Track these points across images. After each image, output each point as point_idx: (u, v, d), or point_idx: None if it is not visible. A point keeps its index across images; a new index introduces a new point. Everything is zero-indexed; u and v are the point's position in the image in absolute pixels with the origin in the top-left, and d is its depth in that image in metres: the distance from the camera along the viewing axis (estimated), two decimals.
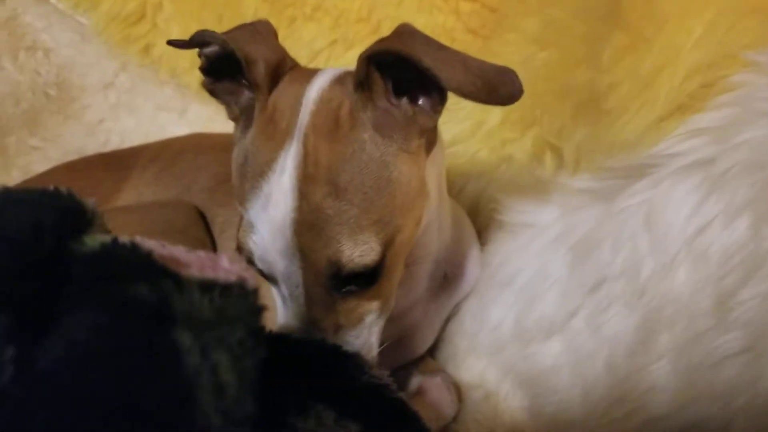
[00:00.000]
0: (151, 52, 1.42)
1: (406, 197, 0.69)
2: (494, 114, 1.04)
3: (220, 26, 1.35)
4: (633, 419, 0.67)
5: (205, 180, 1.12)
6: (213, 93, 0.76)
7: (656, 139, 0.76)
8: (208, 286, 0.38)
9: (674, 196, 0.74)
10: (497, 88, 0.62)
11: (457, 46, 1.15)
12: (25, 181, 1.17)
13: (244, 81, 0.72)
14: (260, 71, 0.69)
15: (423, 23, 1.20)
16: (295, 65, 0.75)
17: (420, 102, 0.68)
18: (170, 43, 0.78)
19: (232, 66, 0.70)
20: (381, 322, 0.74)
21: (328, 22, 1.29)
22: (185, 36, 1.29)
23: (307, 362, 0.44)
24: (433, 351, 1.02)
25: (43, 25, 1.42)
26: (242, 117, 0.74)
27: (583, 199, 0.87)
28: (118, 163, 1.20)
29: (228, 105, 0.76)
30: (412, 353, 0.98)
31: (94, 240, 0.39)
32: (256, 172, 0.67)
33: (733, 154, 0.69)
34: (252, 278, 0.42)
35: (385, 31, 1.23)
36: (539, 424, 0.85)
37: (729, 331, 0.61)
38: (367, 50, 0.64)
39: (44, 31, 1.42)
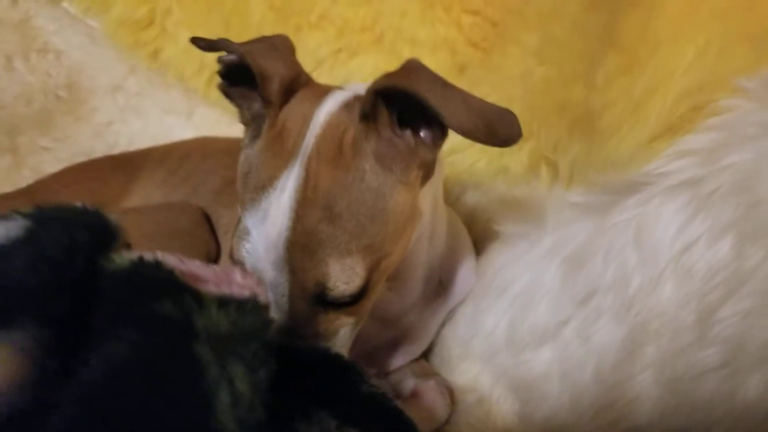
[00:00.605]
0: (160, 56, 1.45)
1: (398, 225, 0.72)
2: None
3: (227, 32, 1.38)
4: (618, 426, 0.71)
5: (211, 183, 1.15)
6: (227, 95, 0.79)
7: (647, 158, 0.79)
8: (224, 302, 0.42)
9: (663, 214, 0.77)
10: (497, 129, 0.64)
11: (458, 58, 1.20)
12: (38, 182, 1.20)
13: (257, 91, 0.76)
14: (274, 88, 0.72)
15: (425, 34, 1.24)
16: (309, 81, 0.78)
17: (422, 135, 0.70)
18: (194, 41, 0.80)
19: (248, 74, 0.73)
20: (354, 334, 0.77)
21: (332, 31, 1.32)
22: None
23: (310, 370, 0.47)
24: (427, 355, 1.05)
25: (55, 28, 1.45)
26: (252, 124, 0.76)
27: (576, 212, 0.91)
28: (127, 165, 1.23)
29: (240, 109, 0.79)
30: (407, 356, 1.01)
31: (122, 258, 0.42)
32: (258, 186, 0.70)
33: (719, 176, 0.72)
34: (263, 293, 0.45)
35: (388, 41, 1.28)
36: (529, 428, 0.88)
37: (710, 346, 0.65)
38: (374, 84, 0.66)
39: (56, 33, 1.45)
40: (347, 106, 0.71)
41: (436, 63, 1.21)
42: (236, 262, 0.72)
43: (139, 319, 0.37)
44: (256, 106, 0.76)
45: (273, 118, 0.72)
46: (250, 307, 0.42)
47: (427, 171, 0.75)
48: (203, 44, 0.78)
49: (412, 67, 0.69)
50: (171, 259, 0.45)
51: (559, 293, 0.88)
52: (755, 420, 0.59)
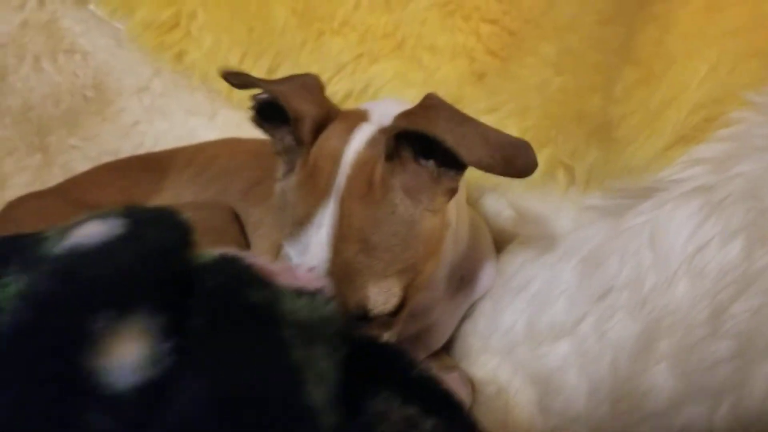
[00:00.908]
0: (184, 59, 1.49)
1: (428, 247, 0.78)
2: (511, 132, 1.13)
3: (250, 37, 1.44)
4: (635, 414, 0.76)
5: (239, 182, 1.20)
6: (260, 128, 0.85)
7: (662, 166, 0.85)
8: (299, 293, 0.47)
9: (676, 218, 0.82)
10: (514, 161, 0.68)
11: (476, 66, 1.25)
12: (70, 180, 1.25)
13: (289, 128, 0.81)
14: (306, 128, 0.77)
15: (445, 42, 1.29)
16: (337, 113, 0.82)
17: (445, 164, 0.75)
18: (227, 78, 0.86)
19: (280, 110, 0.78)
20: (393, 341, 0.83)
21: (354, 37, 1.37)
22: (217, 45, 1.39)
23: (367, 356, 0.52)
24: (448, 348, 1.11)
25: (81, 30, 1.50)
26: (285, 155, 0.83)
27: (592, 215, 0.96)
28: (156, 165, 1.28)
29: (273, 138, 0.85)
30: (429, 349, 1.07)
31: (206, 253, 0.47)
32: (296, 221, 0.76)
33: (730, 184, 0.77)
34: (328, 288, 0.51)
35: (409, 47, 1.33)
36: (547, 417, 0.93)
37: (722, 340, 0.70)
38: (395, 128, 0.72)
39: (82, 35, 1.49)
40: (373, 142, 0.77)
41: (455, 70, 1.27)
42: None
43: (230, 307, 0.42)
44: (288, 139, 0.82)
45: (305, 156, 0.78)
46: (320, 298, 0.47)
47: (452, 193, 0.80)
48: (237, 82, 0.84)
49: (430, 106, 0.75)
50: (246, 254, 0.50)
51: (575, 291, 0.94)
52: (764, 406, 0.65)
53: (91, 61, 1.48)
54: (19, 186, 1.33)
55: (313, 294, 0.47)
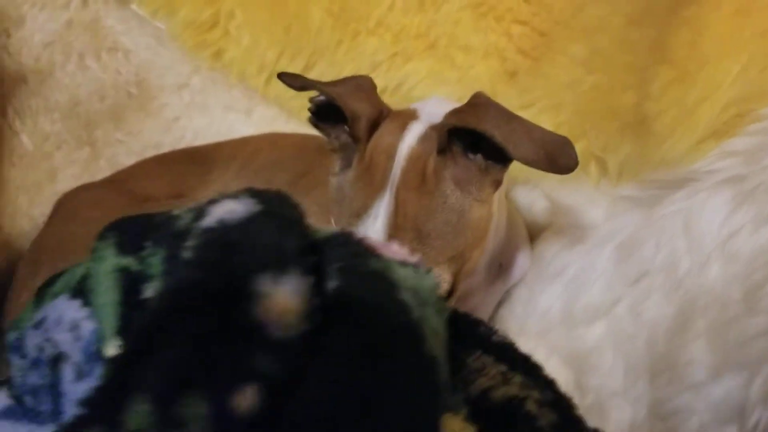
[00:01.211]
0: (222, 57, 1.55)
1: (476, 235, 0.85)
2: (544, 126, 1.20)
3: (287, 37, 1.50)
4: (675, 386, 0.83)
5: (284, 174, 1.26)
6: (317, 128, 0.93)
7: (695, 158, 0.91)
8: (403, 264, 0.53)
9: (709, 206, 0.89)
10: (556, 159, 0.76)
11: (508, 65, 1.32)
12: (121, 172, 1.31)
13: (345, 127, 0.88)
14: (362, 127, 0.85)
15: (478, 42, 1.35)
16: (389, 112, 0.90)
17: (491, 157, 0.82)
18: (283, 80, 0.93)
19: (334, 110, 0.86)
20: None
21: (389, 37, 1.43)
22: (255, 44, 1.46)
23: (456, 321, 0.58)
24: None
25: (123, 29, 1.55)
26: (341, 152, 0.90)
27: (627, 205, 1.03)
28: (202, 158, 1.34)
29: (329, 137, 0.92)
30: None
31: (322, 228, 0.54)
32: (354, 212, 0.83)
33: (761, 175, 0.84)
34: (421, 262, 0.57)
35: (442, 47, 1.39)
36: (584, 394, 1.00)
37: (757, 315, 0.77)
38: (447, 124, 0.79)
39: (124, 33, 1.55)
40: (424, 138, 0.84)
41: (487, 69, 1.33)
42: None
43: (357, 272, 0.48)
44: (344, 136, 0.90)
45: (362, 153, 0.85)
46: (421, 268, 0.54)
47: (498, 185, 0.87)
48: (296, 84, 0.91)
49: (479, 104, 0.83)
50: (354, 232, 0.57)
51: (611, 276, 1.01)
52: None
53: (133, 58, 1.53)
54: (68, 179, 1.39)
55: (413, 265, 0.54)
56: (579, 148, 1.13)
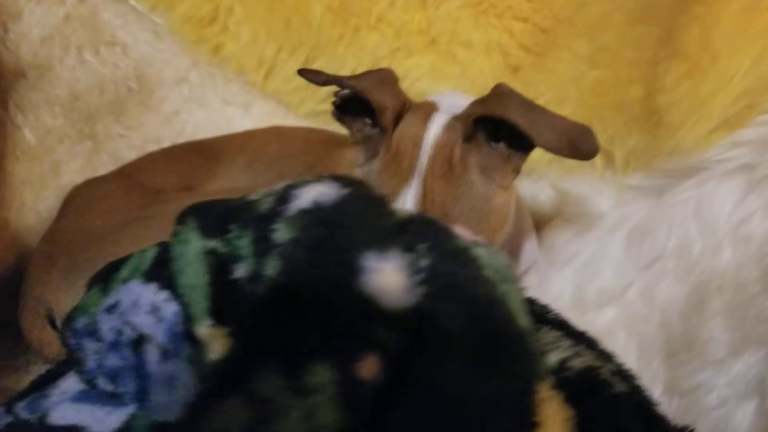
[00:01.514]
0: (221, 51, 1.56)
1: (499, 221, 0.89)
2: None
3: (287, 32, 1.52)
4: (696, 363, 0.87)
5: (294, 167, 1.28)
6: (340, 121, 0.95)
7: (706, 148, 0.96)
8: (477, 244, 0.56)
9: (720, 193, 0.94)
10: (579, 146, 0.80)
11: (510, 61, 1.36)
12: (129, 165, 1.31)
13: (367, 120, 0.91)
14: (388, 118, 0.88)
15: (479, 38, 1.39)
16: (411, 104, 0.93)
17: (513, 146, 0.86)
18: (305, 76, 0.95)
19: (357, 105, 0.89)
20: None
21: (390, 32, 1.46)
22: (254, 39, 1.48)
23: None
24: None
25: (121, 23, 1.55)
26: (364, 144, 0.93)
27: (635, 194, 1.07)
28: (209, 152, 1.35)
29: (351, 131, 0.95)
30: None
31: (398, 210, 0.57)
32: None
33: None
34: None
35: (443, 43, 1.43)
36: None
37: None
38: (474, 113, 0.83)
39: (121, 28, 1.54)
40: (449, 127, 0.87)
41: (490, 64, 1.37)
42: None
43: (445, 251, 0.51)
44: (366, 129, 0.93)
45: (388, 142, 0.88)
46: (494, 248, 0.57)
47: (518, 172, 0.91)
48: (319, 80, 0.94)
49: (502, 93, 0.86)
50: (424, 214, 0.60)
51: (622, 261, 1.05)
52: None
53: (131, 53, 1.53)
54: (72, 172, 1.38)
55: (486, 245, 0.57)
56: None
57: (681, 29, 1.01)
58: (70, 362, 0.67)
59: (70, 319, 0.65)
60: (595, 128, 1.14)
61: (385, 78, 0.95)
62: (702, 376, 0.85)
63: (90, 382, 0.60)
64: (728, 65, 0.94)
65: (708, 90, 0.94)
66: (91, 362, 0.61)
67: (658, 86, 1.01)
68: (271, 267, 0.49)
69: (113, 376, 0.59)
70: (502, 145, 0.87)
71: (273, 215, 0.54)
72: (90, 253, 1.07)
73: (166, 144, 1.48)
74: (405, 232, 0.51)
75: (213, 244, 0.56)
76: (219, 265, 0.55)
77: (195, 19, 1.54)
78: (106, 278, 0.66)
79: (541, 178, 1.25)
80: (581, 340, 0.59)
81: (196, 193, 1.27)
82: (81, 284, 1.05)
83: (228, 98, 1.57)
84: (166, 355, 0.55)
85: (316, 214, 0.50)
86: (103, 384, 0.60)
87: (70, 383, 0.62)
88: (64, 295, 1.04)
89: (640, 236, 1.03)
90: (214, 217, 0.58)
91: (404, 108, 0.92)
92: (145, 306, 0.58)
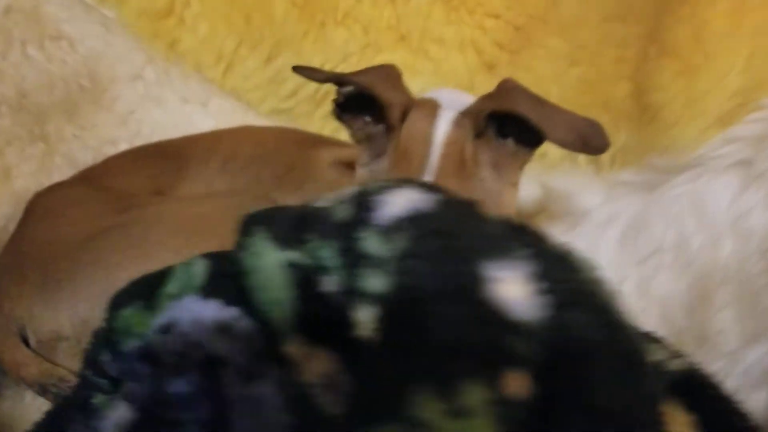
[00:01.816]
0: (177, 46, 1.49)
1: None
2: None
3: (248, 26, 1.47)
4: (709, 355, 0.90)
5: (270, 169, 1.24)
6: (340, 119, 0.92)
7: (699, 144, 0.99)
8: (565, 246, 0.56)
9: (716, 188, 0.97)
10: (590, 140, 0.80)
11: (485, 58, 1.36)
12: (92, 170, 1.23)
13: (367, 118, 0.89)
14: (395, 115, 0.86)
15: (452, 35, 1.38)
16: (414, 101, 0.90)
17: (521, 142, 0.86)
18: (300, 73, 0.92)
19: (358, 102, 0.87)
20: None
21: (358, 28, 1.43)
22: (212, 33, 1.44)
23: None
24: None
25: (67, 16, 1.45)
26: (366, 143, 0.90)
27: (625, 190, 1.09)
28: (175, 153, 1.28)
29: (352, 130, 0.92)
30: None
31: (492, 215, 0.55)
32: None
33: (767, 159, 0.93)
34: None
35: (415, 39, 1.41)
36: None
37: None
38: (485, 109, 0.82)
39: (67, 21, 1.45)
40: (458, 124, 0.86)
41: (463, 61, 1.37)
42: None
43: (548, 254, 0.50)
44: (369, 127, 0.90)
45: (396, 140, 0.86)
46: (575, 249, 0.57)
47: (523, 167, 0.91)
48: (319, 77, 0.92)
49: (511, 88, 0.86)
50: None
51: (616, 256, 1.07)
52: None
53: (79, 48, 1.44)
54: (24, 176, 1.28)
55: (570, 248, 0.56)
56: None
57: (668, 29, 1.04)
58: (91, 388, 0.62)
59: (111, 342, 0.59)
60: None
61: (391, 74, 0.93)
62: (716, 366, 0.88)
63: (146, 411, 0.56)
64: (722, 64, 0.97)
65: (702, 88, 0.97)
66: (144, 388, 0.56)
67: (651, 84, 1.03)
68: (376, 280, 0.47)
69: (177, 402, 0.54)
70: (510, 141, 0.86)
71: (355, 224, 0.51)
72: (65, 263, 1.00)
73: (122, 145, 1.40)
74: (512, 238, 0.49)
75: (292, 255, 0.53)
76: (303, 278, 0.51)
77: (149, 13, 1.47)
78: (146, 295, 0.60)
79: (525, 174, 1.25)
80: (655, 339, 0.58)
81: (170, 197, 1.21)
82: (59, 297, 0.99)
83: (186, 96, 1.50)
84: (249, 376, 0.51)
85: (423, 222, 0.48)
86: (163, 411, 0.55)
87: (121, 413, 0.56)
88: (41, 310, 0.97)
89: (634, 231, 1.05)
90: (285, 226, 0.55)
91: (410, 105, 0.90)
92: (210, 324, 0.54)
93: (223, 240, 1.10)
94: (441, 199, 0.50)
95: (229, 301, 0.54)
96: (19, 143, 1.31)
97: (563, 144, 0.80)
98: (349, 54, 1.43)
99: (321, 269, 0.51)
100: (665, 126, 1.00)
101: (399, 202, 0.50)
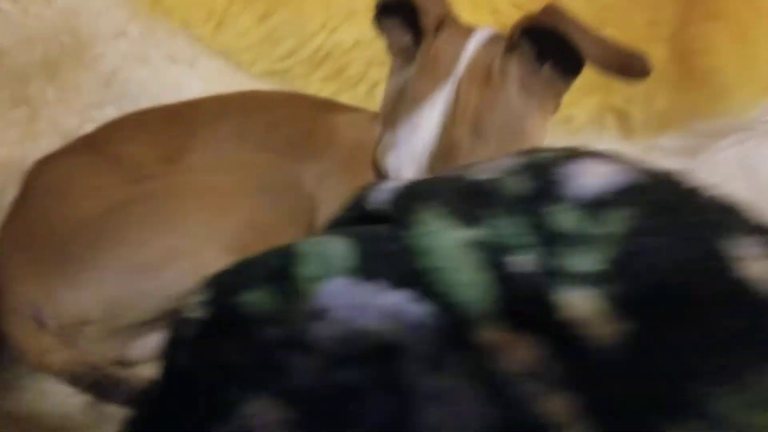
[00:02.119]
0: (163, 1, 1.38)
1: (531, 146, 0.85)
2: None
3: None
4: None
5: (286, 135, 1.16)
6: (379, 25, 0.88)
7: (751, 109, 0.99)
8: None
9: (765, 152, 0.97)
10: (631, 63, 0.75)
11: (500, 18, 1.31)
12: (95, 135, 1.13)
13: (407, 26, 0.85)
14: (431, 21, 0.82)
15: None
16: (455, 20, 0.87)
17: (558, 69, 0.81)
18: None
19: (402, 9, 0.84)
20: None
21: None
22: None
23: None
24: None
25: None
26: (401, 54, 0.87)
27: (662, 154, 1.09)
28: (179, 118, 1.18)
29: (390, 40, 0.88)
30: None
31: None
32: (411, 102, 0.80)
33: None
34: None
35: None
36: None
37: None
38: (522, 22, 0.77)
39: None
40: (494, 40, 0.82)
41: (479, 21, 1.31)
42: (380, 170, 0.82)
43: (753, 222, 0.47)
44: (406, 39, 0.86)
45: (428, 45, 0.82)
46: None
47: (556, 108, 0.87)
48: None
49: (554, 8, 0.82)
50: None
51: None
52: None
53: (55, 1, 1.31)
54: (9, 144, 1.17)
55: None
56: (595, 100, 1.18)
57: None
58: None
59: (247, 330, 0.53)
60: (610, 88, 1.16)
61: None
62: None
63: (298, 406, 0.50)
64: None
65: (756, 53, 0.97)
66: (300, 380, 0.50)
67: (696, 48, 1.02)
68: (586, 259, 0.43)
69: (345, 395, 0.48)
70: (546, 67, 0.82)
71: (542, 197, 0.47)
72: (86, 240, 0.92)
73: (108, 109, 1.30)
74: (730, 212, 0.46)
75: (474, 233, 0.48)
76: (492, 257, 0.47)
77: None
78: (275, 277, 0.54)
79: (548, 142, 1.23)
80: None
81: (185, 168, 1.12)
82: (83, 278, 0.90)
83: (172, 54, 1.39)
84: (437, 365, 0.46)
85: (641, 197, 0.44)
86: (323, 405, 0.49)
87: (264, 409, 0.50)
88: (63, 292, 0.89)
89: None
90: (457, 201, 0.49)
91: (448, 18, 0.86)
92: (373, 310, 0.49)
93: (248, 212, 1.04)
94: (642, 170, 0.47)
95: (396, 284, 0.49)
96: (2, 107, 1.19)
97: (603, 63, 0.75)
98: (354, 12, 1.35)
99: (511, 248, 0.47)
100: (714, 91, 1.00)
101: (595, 174, 0.46)
